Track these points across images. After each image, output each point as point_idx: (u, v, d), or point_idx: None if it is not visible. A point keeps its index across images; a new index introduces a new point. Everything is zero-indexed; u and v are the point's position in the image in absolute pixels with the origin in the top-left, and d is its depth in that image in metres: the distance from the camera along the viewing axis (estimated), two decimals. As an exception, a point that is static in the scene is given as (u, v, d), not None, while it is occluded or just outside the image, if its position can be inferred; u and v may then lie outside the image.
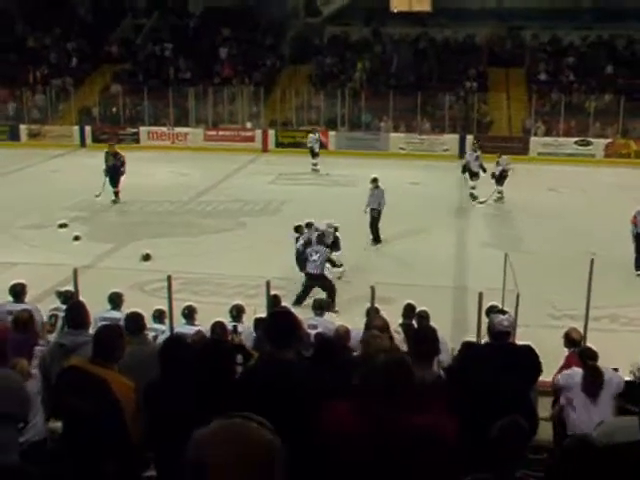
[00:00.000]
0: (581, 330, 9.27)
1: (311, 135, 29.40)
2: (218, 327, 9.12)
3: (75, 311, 6.94)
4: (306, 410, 2.02)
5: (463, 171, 23.95)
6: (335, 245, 15.89)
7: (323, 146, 29.70)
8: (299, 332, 5.40)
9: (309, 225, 15.85)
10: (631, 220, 16.05)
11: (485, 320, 7.79)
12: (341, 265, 16.16)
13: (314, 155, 28.63)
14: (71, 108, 36.04)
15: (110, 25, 40.64)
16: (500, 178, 23.32)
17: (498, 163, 23.65)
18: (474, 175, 23.52)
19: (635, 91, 31.38)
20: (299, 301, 13.87)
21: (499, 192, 23.27)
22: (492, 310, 8.37)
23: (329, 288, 14.07)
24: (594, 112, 32.07)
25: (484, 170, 23.39)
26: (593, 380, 7.01)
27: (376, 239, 18.45)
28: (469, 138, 31.68)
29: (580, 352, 7.86)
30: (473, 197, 23.16)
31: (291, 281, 15.19)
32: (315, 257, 14.28)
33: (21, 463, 4.80)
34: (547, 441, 7.22)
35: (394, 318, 9.50)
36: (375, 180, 18.97)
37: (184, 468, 2.07)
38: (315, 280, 14.25)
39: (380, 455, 3.36)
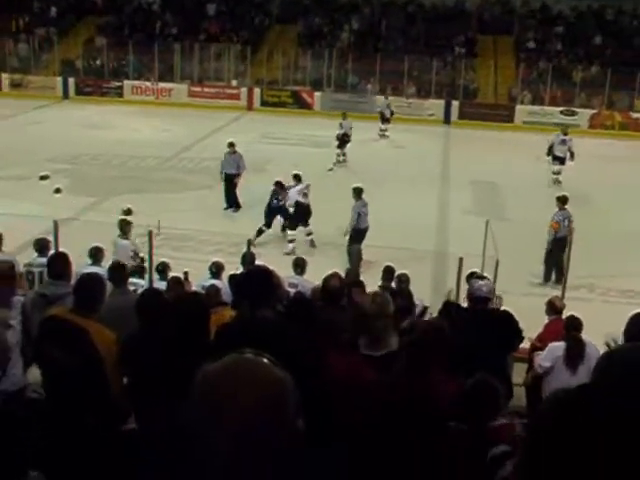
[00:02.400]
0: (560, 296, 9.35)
1: (382, 99, 29.06)
2: (173, 281, 9.21)
3: (57, 261, 6.90)
4: (292, 365, 2.00)
5: (548, 153, 22.03)
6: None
7: (392, 112, 28.49)
8: (277, 290, 5.40)
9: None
10: (551, 224, 14.19)
11: (465, 286, 7.85)
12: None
13: (384, 120, 28.06)
14: (54, 59, 35.56)
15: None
16: (342, 142, 23.34)
17: (341, 125, 23.64)
18: (557, 159, 21.85)
19: (622, 63, 31.32)
20: None
21: (343, 155, 23.30)
22: (472, 275, 8.42)
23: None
24: (580, 82, 32.07)
25: (572, 156, 21.52)
26: (575, 351, 7.06)
27: (237, 205, 18.15)
28: (454, 104, 31.71)
29: (566, 321, 7.85)
30: (557, 182, 21.39)
31: (271, 237, 15.21)
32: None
33: (2, 409, 4.81)
34: (521, 407, 7.30)
35: (374, 280, 9.53)
36: (232, 144, 18.52)
37: (187, 407, 1.95)
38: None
39: (388, 404, 3.45)
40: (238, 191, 18.17)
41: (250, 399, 1.82)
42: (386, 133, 27.89)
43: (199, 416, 1.86)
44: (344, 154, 23.38)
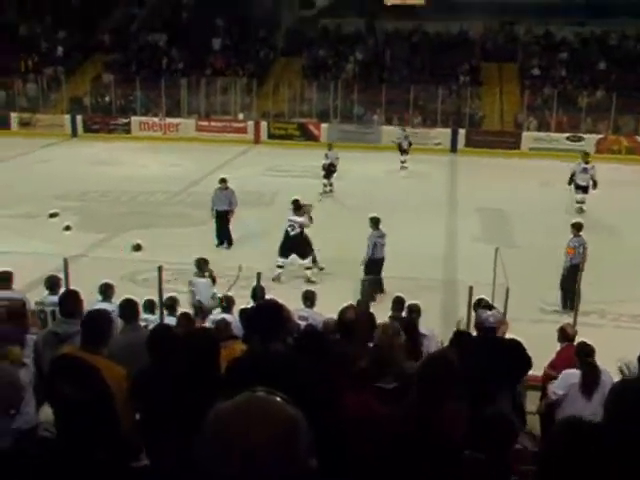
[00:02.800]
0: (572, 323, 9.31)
1: (398, 131, 29.03)
2: (183, 317, 9.20)
3: (68, 299, 6.93)
4: (305, 400, 2.00)
5: (569, 182, 21.54)
6: None
7: (410, 144, 28.22)
8: (287, 324, 5.41)
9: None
10: (567, 250, 13.98)
11: (474, 314, 7.83)
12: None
13: (402, 152, 27.93)
14: (62, 97, 35.92)
15: (102, 14, 40.48)
16: (328, 172, 23.41)
17: (327, 156, 23.69)
18: (579, 188, 21.39)
19: (627, 87, 31.44)
20: None
21: (330, 185, 23.37)
22: (480, 304, 8.40)
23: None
24: (586, 108, 32.15)
25: (595, 185, 21.11)
26: (590, 377, 7.01)
27: (229, 241, 17.91)
28: (461, 132, 31.80)
29: (577, 348, 7.78)
30: (580, 211, 20.91)
31: (282, 273, 15.22)
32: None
33: (15, 447, 4.82)
34: (536, 434, 7.24)
35: (384, 311, 9.51)
36: (224, 180, 18.28)
37: (199, 444, 1.94)
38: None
39: (401, 438, 3.44)
40: (231, 226, 17.98)
41: (262, 437, 1.82)
42: (405, 165, 27.70)
43: (211, 453, 1.86)
44: (331, 184, 23.49)
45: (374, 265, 14.76)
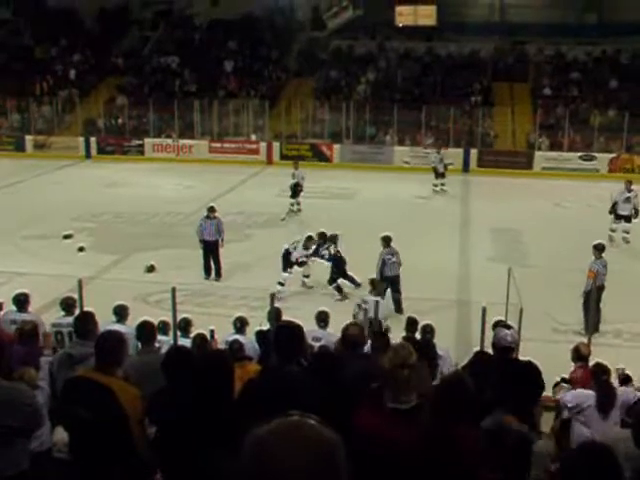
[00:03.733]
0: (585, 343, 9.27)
1: (434, 154, 28.49)
2: (198, 338, 9.22)
3: (83, 321, 6.97)
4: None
5: (610, 211, 20.53)
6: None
7: (446, 166, 27.82)
8: (304, 346, 5.44)
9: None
10: (588, 274, 13.70)
11: (488, 334, 7.82)
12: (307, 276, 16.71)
13: (438, 175, 27.42)
14: (77, 119, 36.20)
15: (116, 37, 40.85)
16: (295, 192, 23.41)
17: (293, 175, 23.68)
18: (622, 218, 20.42)
19: (639, 106, 31.39)
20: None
21: (297, 204, 23.39)
22: (498, 324, 8.39)
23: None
24: (598, 127, 32.12)
25: (637, 214, 20.22)
26: (607, 397, 6.99)
27: (219, 273, 17.18)
28: (473, 152, 31.80)
29: (593, 368, 7.78)
30: (626, 241, 20.19)
31: (294, 293, 15.24)
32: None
33: (31, 470, 4.85)
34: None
35: (397, 332, 9.51)
36: (212, 209, 17.47)
37: (240, 470, 1.92)
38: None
39: (415, 460, 3.43)
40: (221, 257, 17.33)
41: (303, 461, 1.82)
42: (443, 187, 27.23)
43: (252, 478, 1.87)
44: (298, 203, 23.51)
45: (388, 282, 14.94)
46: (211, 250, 17.09)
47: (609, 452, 2.47)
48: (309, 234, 16.59)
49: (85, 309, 9.22)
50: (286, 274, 16.05)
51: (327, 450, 1.87)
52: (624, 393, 7.10)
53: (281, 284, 15.76)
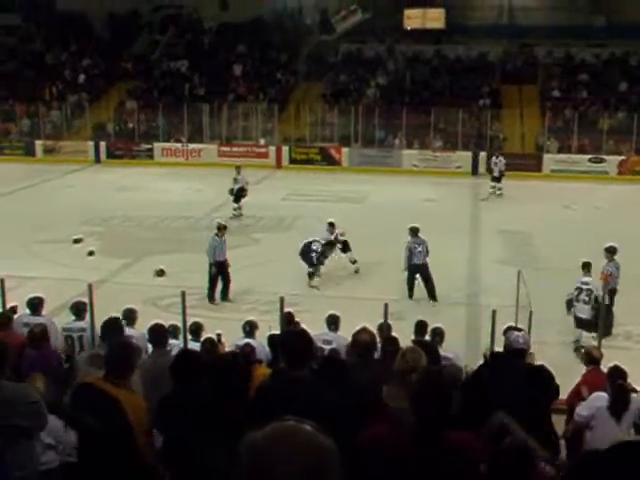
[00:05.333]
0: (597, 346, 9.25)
1: (493, 158, 28.21)
2: (208, 342, 9.24)
3: (112, 326, 7.08)
4: (326, 427, 2.01)
5: None
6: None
7: (501, 171, 27.52)
8: (312, 351, 5.44)
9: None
10: (601, 277, 13.51)
11: (498, 337, 7.82)
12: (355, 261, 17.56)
13: (493, 179, 27.41)
14: (86, 124, 36.32)
15: (126, 41, 40.99)
16: (238, 196, 23.29)
17: (236, 180, 23.51)
18: None
19: (649, 108, 31.33)
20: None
21: (239, 209, 23.26)
22: (509, 329, 8.39)
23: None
24: (607, 129, 32.05)
25: None
26: (621, 400, 6.97)
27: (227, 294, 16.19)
28: (482, 155, 31.74)
29: (610, 370, 7.76)
30: None
31: (305, 297, 15.23)
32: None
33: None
34: (561, 459, 7.19)
35: (406, 334, 9.50)
36: (225, 227, 16.69)
37: (234, 475, 1.93)
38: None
39: (420, 472, 3.40)
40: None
41: (296, 467, 1.82)
42: (497, 191, 27.09)
43: None
44: (240, 207, 23.37)
45: (416, 270, 15.93)
46: (223, 271, 16.05)
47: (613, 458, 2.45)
48: (330, 220, 17.68)
49: (100, 314, 9.28)
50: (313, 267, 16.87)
51: (321, 456, 1.88)
52: (637, 399, 7.07)
53: (312, 275, 16.86)
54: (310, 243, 17.04)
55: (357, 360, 6.60)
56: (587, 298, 13.10)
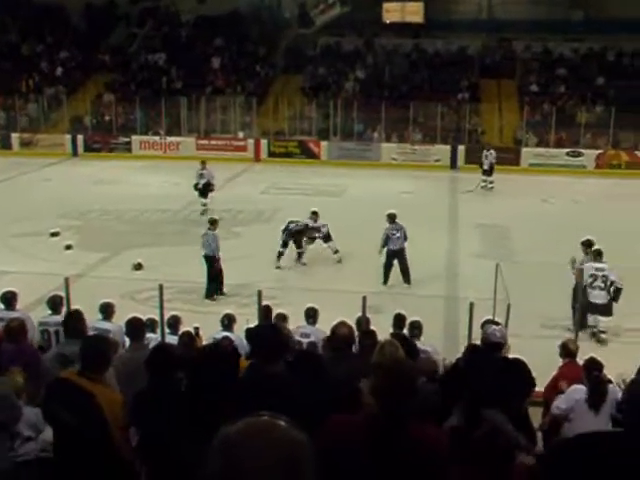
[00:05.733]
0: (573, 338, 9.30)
1: (483, 151, 28.18)
2: (186, 336, 9.22)
3: (73, 320, 6.96)
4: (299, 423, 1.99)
5: None
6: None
7: (491, 165, 27.58)
8: (286, 347, 5.42)
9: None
10: (577, 270, 13.46)
11: (476, 330, 7.84)
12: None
13: (484, 172, 27.46)
14: (63, 117, 36.05)
15: (103, 33, 40.67)
16: (205, 191, 23.07)
17: (202, 175, 23.18)
18: None
19: (626, 102, 31.51)
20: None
21: (205, 204, 23.00)
22: (487, 323, 8.42)
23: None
24: (585, 123, 32.24)
25: None
26: (599, 392, 7.01)
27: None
28: (460, 148, 31.85)
29: (586, 362, 7.82)
30: None
31: (284, 290, 15.21)
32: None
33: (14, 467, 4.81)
34: (538, 450, 7.22)
35: (384, 327, 9.50)
36: (216, 221, 16.61)
37: (207, 469, 1.91)
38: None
39: (384, 467, 3.38)
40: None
41: (271, 461, 1.81)
42: (489, 185, 27.22)
43: (219, 478, 1.86)
44: (205, 204, 23.06)
45: (393, 255, 16.47)
46: (216, 265, 15.97)
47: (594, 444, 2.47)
48: (314, 209, 18.29)
49: (73, 307, 9.19)
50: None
51: (294, 451, 1.87)
52: (614, 391, 7.12)
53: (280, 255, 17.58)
54: (291, 222, 17.73)
55: (334, 354, 6.60)
56: (602, 284, 13.46)
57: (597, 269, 13.49)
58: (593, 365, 7.59)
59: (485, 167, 27.53)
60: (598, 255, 13.74)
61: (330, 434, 3.54)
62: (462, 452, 4.34)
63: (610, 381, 7.38)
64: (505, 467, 4.33)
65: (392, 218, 16.79)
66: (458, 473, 4.10)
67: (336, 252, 17.88)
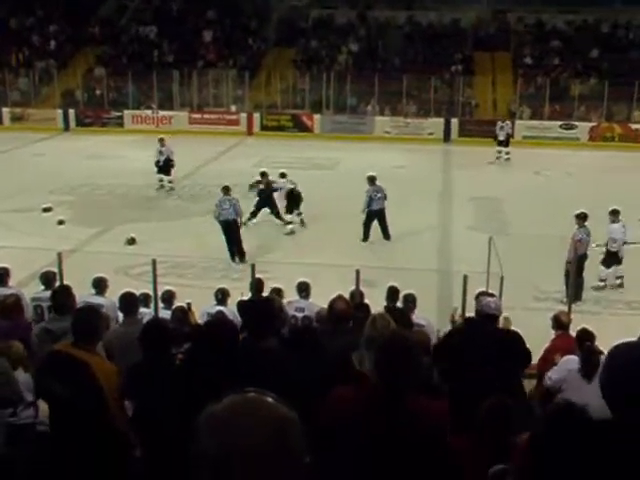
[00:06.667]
0: (565, 311, 9.32)
1: (498, 122, 28.34)
2: (179, 311, 9.21)
3: (61, 296, 6.92)
4: (291, 398, 1.97)
5: None
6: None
7: (508, 135, 28.02)
8: (278, 320, 5.39)
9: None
10: (572, 241, 13.59)
11: (470, 302, 7.85)
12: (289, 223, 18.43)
13: (499, 143, 27.72)
14: (54, 91, 35.77)
15: (93, 6, 40.26)
16: (167, 167, 22.77)
17: (161, 152, 22.89)
18: None
19: (619, 75, 31.44)
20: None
21: (170, 182, 22.80)
22: (480, 295, 8.41)
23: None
24: (579, 96, 32.17)
25: None
26: (591, 361, 7.02)
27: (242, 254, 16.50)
28: (454, 121, 31.78)
29: (578, 333, 7.90)
30: None
31: (275, 263, 15.21)
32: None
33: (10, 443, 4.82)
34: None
35: (378, 301, 9.52)
36: (228, 188, 16.93)
37: (194, 447, 1.89)
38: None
39: (383, 440, 3.38)
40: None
41: (257, 439, 1.79)
42: (505, 156, 27.42)
43: (207, 458, 1.82)
44: (171, 182, 22.86)
45: (375, 215, 17.30)
46: (232, 230, 16.32)
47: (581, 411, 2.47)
48: (282, 171, 19.24)
49: (64, 283, 9.16)
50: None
51: (282, 427, 1.84)
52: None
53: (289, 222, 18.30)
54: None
55: (331, 328, 6.58)
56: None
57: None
58: (585, 336, 7.67)
59: (501, 138, 27.67)
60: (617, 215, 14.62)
61: (331, 408, 3.55)
62: (466, 422, 4.36)
63: (602, 352, 7.39)
64: (507, 438, 4.36)
65: (372, 180, 17.58)
66: (461, 442, 4.13)
67: (289, 223, 18.32)
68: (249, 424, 1.82)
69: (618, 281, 14.56)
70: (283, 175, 18.99)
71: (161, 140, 23.38)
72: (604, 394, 2.34)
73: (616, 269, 14.53)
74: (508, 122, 28.18)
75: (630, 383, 2.24)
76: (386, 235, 17.49)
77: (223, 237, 16.29)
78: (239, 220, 16.55)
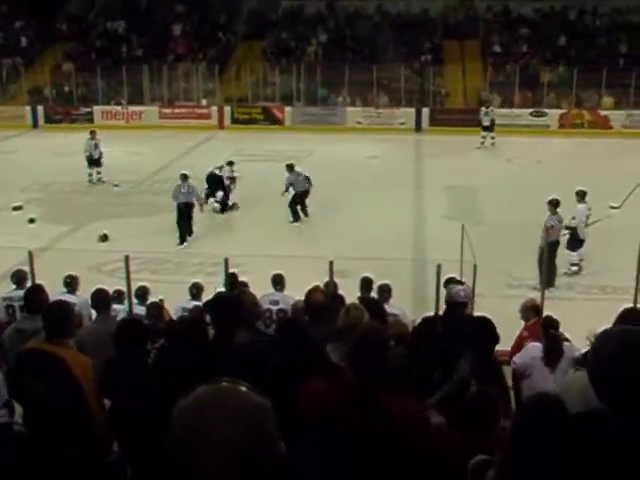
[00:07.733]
0: (538, 298, 9.37)
1: (482, 108, 28.90)
2: (154, 307, 9.17)
3: (34, 295, 6.85)
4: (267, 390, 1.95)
5: None
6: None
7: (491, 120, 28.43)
8: (251, 314, 5.36)
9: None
10: (544, 228, 13.38)
11: (443, 291, 7.87)
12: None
13: (484, 128, 28.22)
14: (22, 88, 35.37)
15: (60, 2, 39.81)
16: (99, 160, 22.99)
17: (96, 146, 23.05)
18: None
19: (587, 62, 31.65)
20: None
21: (98, 173, 23.05)
22: (450, 282, 8.43)
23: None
24: (548, 83, 32.35)
25: None
26: (554, 349, 7.07)
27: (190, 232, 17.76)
28: (425, 111, 31.84)
29: (543, 320, 7.95)
30: None
31: (249, 257, 15.16)
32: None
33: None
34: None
35: (352, 292, 9.51)
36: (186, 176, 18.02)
37: (168, 443, 1.85)
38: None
39: (356, 434, 3.38)
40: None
41: (230, 431, 1.76)
42: (490, 140, 27.92)
43: (180, 451, 1.79)
44: (99, 172, 23.01)
45: (301, 196, 18.60)
46: (187, 213, 17.42)
47: (557, 401, 2.48)
48: (230, 159, 21.10)
49: (36, 282, 9.06)
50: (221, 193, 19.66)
51: (256, 417, 1.81)
52: (570, 348, 7.17)
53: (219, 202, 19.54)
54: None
55: (308, 320, 6.57)
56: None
57: (589, 209, 14.84)
58: (550, 323, 7.75)
59: (486, 123, 28.05)
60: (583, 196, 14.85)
61: (304, 401, 3.54)
62: (450, 414, 4.36)
63: (567, 339, 7.45)
64: (491, 429, 4.37)
65: (291, 167, 18.86)
66: (446, 435, 4.13)
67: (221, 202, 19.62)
68: (221, 414, 1.79)
69: (574, 268, 14.71)
70: (230, 163, 20.73)
71: (92, 133, 23.50)
72: (591, 379, 2.35)
73: (580, 252, 14.71)
74: (492, 108, 28.60)
75: (616, 367, 2.26)
76: (305, 211, 18.68)
77: (176, 219, 17.24)
78: (196, 204, 17.74)
